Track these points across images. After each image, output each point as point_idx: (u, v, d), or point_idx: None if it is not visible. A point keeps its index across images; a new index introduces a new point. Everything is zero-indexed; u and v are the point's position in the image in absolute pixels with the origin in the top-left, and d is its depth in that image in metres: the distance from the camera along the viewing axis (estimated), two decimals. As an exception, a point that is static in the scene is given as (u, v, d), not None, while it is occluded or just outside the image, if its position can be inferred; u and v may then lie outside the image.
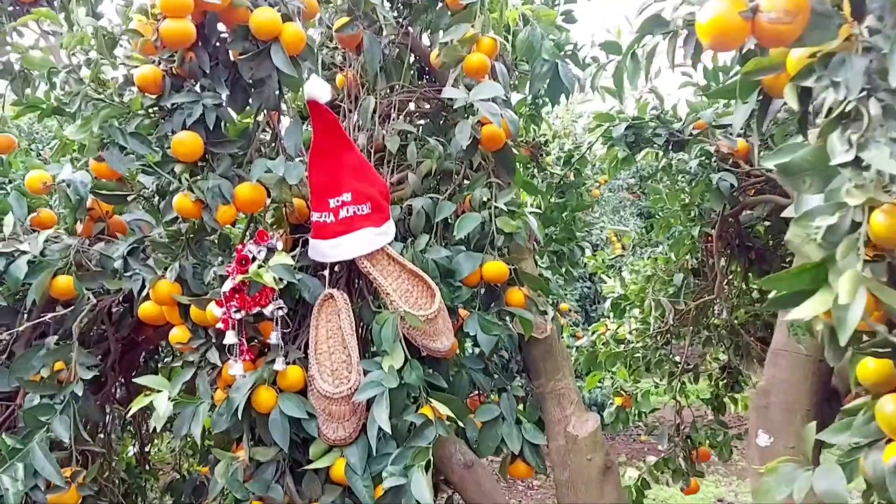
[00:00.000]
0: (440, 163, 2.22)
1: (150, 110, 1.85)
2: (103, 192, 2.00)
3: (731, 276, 3.43)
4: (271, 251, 1.80)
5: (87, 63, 1.78)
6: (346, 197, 1.93)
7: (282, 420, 1.77)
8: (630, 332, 3.37)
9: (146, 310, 2.03)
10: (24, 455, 1.78)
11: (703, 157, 3.00)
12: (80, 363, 2.01)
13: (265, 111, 1.95)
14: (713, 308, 3.49)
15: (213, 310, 1.77)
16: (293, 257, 1.99)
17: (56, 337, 2.11)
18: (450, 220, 2.14)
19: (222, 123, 1.90)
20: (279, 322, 1.82)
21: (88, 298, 2.14)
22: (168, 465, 3.26)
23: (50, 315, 2.06)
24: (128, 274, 2.07)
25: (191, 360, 1.90)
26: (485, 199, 2.11)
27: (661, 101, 3.31)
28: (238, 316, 1.75)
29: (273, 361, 1.82)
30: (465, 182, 2.29)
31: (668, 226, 3.54)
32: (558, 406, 2.07)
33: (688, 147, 3.13)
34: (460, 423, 1.88)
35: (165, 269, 1.96)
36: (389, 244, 1.98)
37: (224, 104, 1.85)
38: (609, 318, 3.82)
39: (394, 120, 2.29)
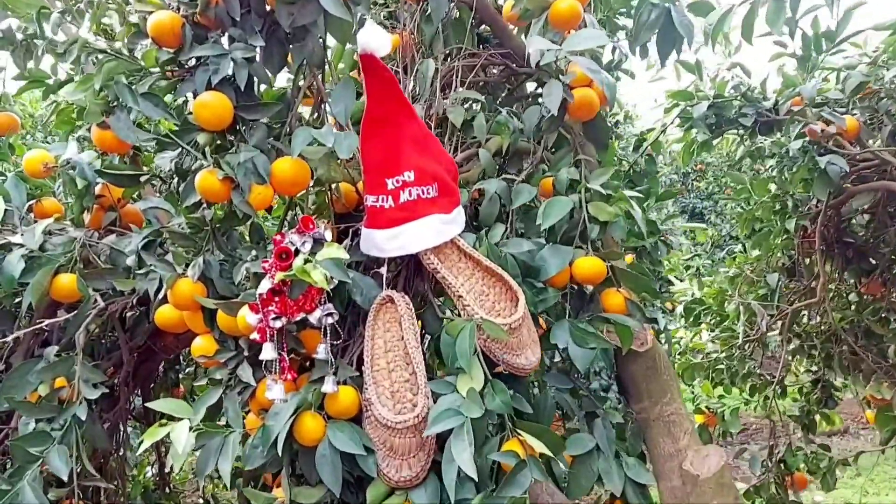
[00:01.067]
0: (514, 139, 1.84)
1: (167, 67, 1.49)
2: (110, 171, 1.64)
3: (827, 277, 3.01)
4: (318, 242, 1.43)
5: (88, 5, 1.42)
6: (408, 176, 1.55)
7: (332, 455, 1.40)
8: (713, 341, 2.95)
9: (164, 315, 1.68)
10: (11, 497, 1.43)
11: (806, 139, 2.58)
12: (84, 379, 1.66)
13: (308, 70, 1.58)
14: (802, 314, 3.07)
15: (247, 316, 1.41)
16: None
17: (56, 347, 1.76)
18: (533, 205, 1.76)
19: (256, 84, 1.54)
20: (328, 332, 1.45)
21: (95, 301, 1.79)
22: (192, 490, 2.91)
23: (47, 321, 1.71)
24: (142, 272, 1.71)
25: (218, 378, 1.54)
26: (573, 180, 1.72)
27: (748, 76, 2.91)
28: (278, 324, 1.39)
29: (320, 381, 1.45)
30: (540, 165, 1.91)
31: (752, 220, 3.12)
32: (668, 436, 1.68)
33: (784, 127, 2.72)
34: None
35: (187, 265, 1.60)
36: (460, 235, 1.61)
37: (258, 60, 1.49)
38: (679, 324, 3.41)
39: (456, 89, 1.92)
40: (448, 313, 1.64)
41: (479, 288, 1.61)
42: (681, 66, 3.03)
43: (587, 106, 1.67)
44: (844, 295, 3.12)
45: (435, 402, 1.43)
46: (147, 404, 1.39)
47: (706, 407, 2.82)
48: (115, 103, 1.39)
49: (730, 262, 3.36)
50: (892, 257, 2.76)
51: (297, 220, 1.42)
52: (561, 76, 1.64)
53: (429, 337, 1.67)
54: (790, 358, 3.05)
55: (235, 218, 1.67)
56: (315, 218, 1.65)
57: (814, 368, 3.16)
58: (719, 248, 3.59)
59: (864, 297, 3.01)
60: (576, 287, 1.72)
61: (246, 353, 1.55)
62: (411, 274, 1.69)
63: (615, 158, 2.96)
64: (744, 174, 3.16)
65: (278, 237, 1.45)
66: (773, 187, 2.98)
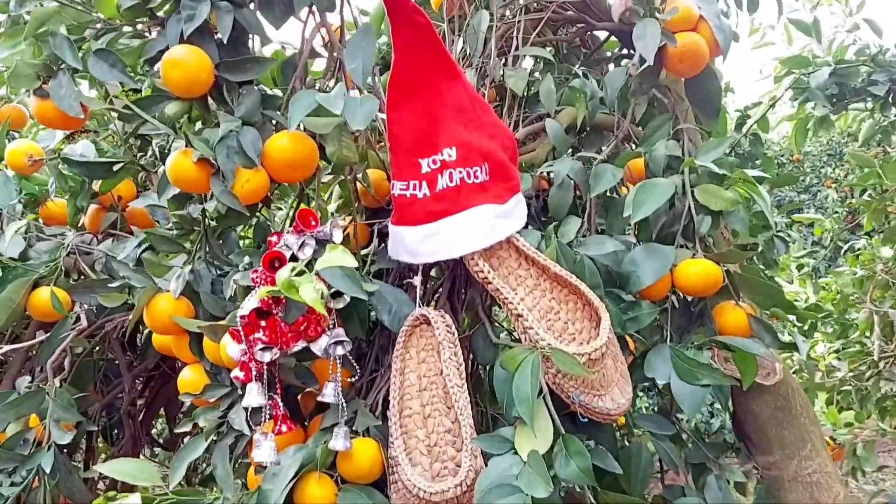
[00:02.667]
0: (592, 109, 1.42)
1: (134, 20, 1.14)
2: (76, 161, 1.31)
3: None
4: (322, 244, 1.05)
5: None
6: (449, 155, 1.16)
7: (343, 536, 1.02)
8: (838, 357, 2.44)
9: (159, 340, 1.34)
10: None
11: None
12: (56, 419, 1.33)
13: (315, 15, 1.20)
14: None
15: (228, 347, 1.04)
16: (365, 258, 1.23)
17: (29, 378, 1.45)
18: (617, 193, 1.34)
19: (250, 40, 1.18)
20: (339, 366, 1.07)
21: (77, 319, 1.47)
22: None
23: (8, 348, 1.39)
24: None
25: (204, 424, 1.18)
26: (672, 156, 1.29)
27: (878, 34, 2.39)
28: (266, 357, 1.01)
29: (329, 431, 1.07)
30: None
31: (882, 211, 2.59)
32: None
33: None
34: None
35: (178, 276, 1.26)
36: (519, 233, 1.20)
37: (251, 5, 1.12)
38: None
39: (517, 49, 1.51)
40: (504, 336, 1.24)
41: (546, 303, 1.19)
42: (793, 27, 2.54)
43: (693, 56, 1.24)
44: None
45: (485, 463, 1.03)
46: (98, 468, 1.04)
47: (830, 438, 2.31)
48: (54, 64, 1.05)
49: (852, 260, 2.82)
50: None
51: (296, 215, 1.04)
52: (657, 14, 1.21)
53: (475, 368, 1.27)
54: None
55: (238, 214, 1.31)
56: (337, 215, 1.28)
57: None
58: (822, 246, 3.07)
59: None
60: (678, 299, 1.28)
61: (241, 392, 1.18)
62: (458, 284, 1.29)
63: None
64: (869, 156, 2.63)
65: (273, 238, 1.09)
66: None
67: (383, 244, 1.27)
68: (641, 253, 1.23)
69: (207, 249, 1.29)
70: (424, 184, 1.15)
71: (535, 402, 1.00)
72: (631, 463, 1.23)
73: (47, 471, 1.26)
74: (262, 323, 1.00)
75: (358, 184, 1.32)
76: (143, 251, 1.45)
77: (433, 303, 1.23)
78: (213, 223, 1.31)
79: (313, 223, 1.05)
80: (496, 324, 1.26)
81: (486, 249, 1.16)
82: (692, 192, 1.26)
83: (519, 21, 1.53)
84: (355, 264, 0.92)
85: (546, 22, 1.63)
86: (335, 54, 1.23)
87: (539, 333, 1.09)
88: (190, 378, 1.25)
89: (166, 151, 1.31)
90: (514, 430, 1.05)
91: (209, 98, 1.14)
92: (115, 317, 1.57)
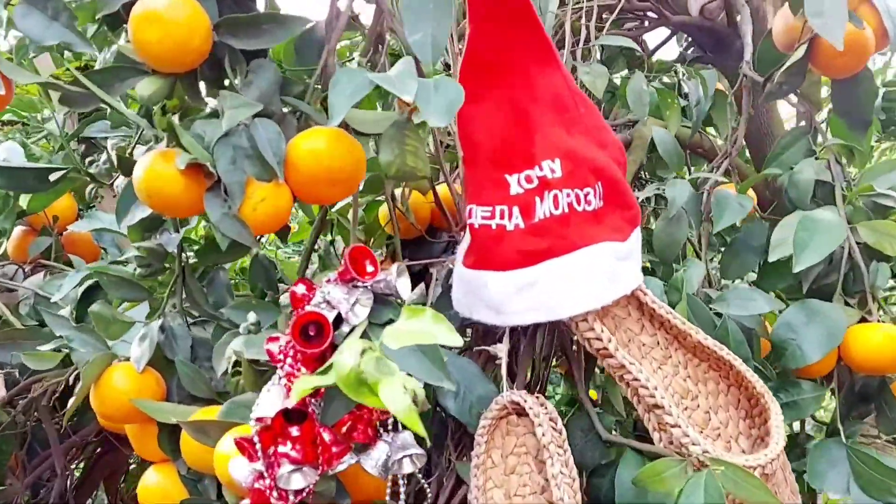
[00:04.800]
0: (698, 115, 1.09)
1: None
2: (4, 166, 0.91)
3: None
4: (383, 302, 0.68)
5: None
6: (551, 169, 0.80)
7: None
8: None
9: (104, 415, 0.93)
10: None
11: None
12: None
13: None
14: None
15: (232, 464, 0.65)
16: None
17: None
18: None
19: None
20: (400, 488, 0.69)
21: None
22: None
23: None
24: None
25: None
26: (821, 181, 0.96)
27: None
28: (297, 483, 0.63)
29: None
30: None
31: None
32: None
33: None
34: None
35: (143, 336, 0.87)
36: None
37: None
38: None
39: (594, 37, 1.17)
40: (596, 422, 0.88)
41: (680, 384, 0.84)
42: None
43: (858, 48, 0.92)
44: None
45: None
46: None
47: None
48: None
49: None
50: None
51: (341, 254, 0.67)
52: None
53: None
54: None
55: (226, 249, 0.92)
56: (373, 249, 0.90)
57: None
58: None
59: None
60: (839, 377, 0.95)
61: (236, 510, 0.79)
62: (538, 344, 0.93)
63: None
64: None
65: (300, 288, 0.71)
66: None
67: (439, 293, 0.90)
68: (801, 315, 0.89)
69: (184, 297, 0.90)
70: (517, 210, 0.79)
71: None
72: None
73: None
74: (293, 431, 0.62)
75: (397, 204, 0.96)
76: (85, 291, 1.07)
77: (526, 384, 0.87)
78: (193, 259, 0.93)
79: (368, 268, 0.68)
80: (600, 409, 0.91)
81: (603, 308, 0.80)
82: (852, 230, 0.94)
83: (591, 5, 1.19)
84: (459, 343, 0.56)
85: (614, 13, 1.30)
86: (382, 21, 0.86)
87: (690, 436, 0.74)
88: (157, 485, 0.85)
89: (128, 154, 0.92)
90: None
91: (199, 75, 0.76)
92: (46, 375, 1.16)
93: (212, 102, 0.77)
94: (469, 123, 0.82)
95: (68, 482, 1.52)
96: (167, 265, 0.92)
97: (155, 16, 0.69)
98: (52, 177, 0.90)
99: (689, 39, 1.49)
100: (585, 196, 0.81)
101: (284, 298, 0.94)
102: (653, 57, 1.55)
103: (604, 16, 1.31)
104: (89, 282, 1.06)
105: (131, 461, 1.88)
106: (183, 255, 0.91)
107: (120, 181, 0.98)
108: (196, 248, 0.93)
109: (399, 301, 0.68)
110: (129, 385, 0.81)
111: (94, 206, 1.37)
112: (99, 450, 1.63)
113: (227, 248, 0.74)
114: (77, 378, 1.09)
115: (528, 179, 0.80)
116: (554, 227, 0.79)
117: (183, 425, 0.75)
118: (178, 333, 0.86)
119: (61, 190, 1.01)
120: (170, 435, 0.85)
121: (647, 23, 1.41)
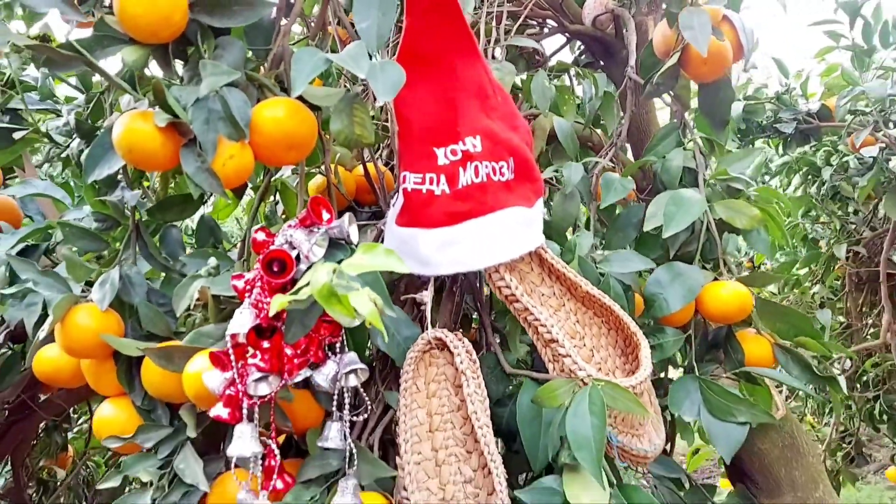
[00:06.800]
0: (591, 110, 1.28)
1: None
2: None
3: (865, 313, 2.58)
4: (337, 245, 0.82)
5: None
6: (472, 144, 0.96)
7: None
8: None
9: (47, 361, 1.01)
10: None
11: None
12: None
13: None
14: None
15: (206, 376, 0.77)
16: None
17: None
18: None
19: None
20: (346, 400, 0.83)
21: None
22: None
23: None
24: (15, 293, 1.04)
25: (147, 478, 0.88)
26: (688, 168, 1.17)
27: (785, 74, 2.47)
28: (263, 390, 0.75)
29: (317, 482, 0.83)
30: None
31: (775, 247, 2.68)
32: (830, 550, 1.14)
33: (840, 134, 2.28)
34: None
35: (89, 283, 0.96)
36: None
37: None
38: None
39: (503, 38, 1.34)
40: (501, 359, 1.05)
41: (571, 327, 1.02)
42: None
43: (719, 58, 1.13)
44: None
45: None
46: None
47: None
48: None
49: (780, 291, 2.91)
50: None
51: (308, 205, 0.80)
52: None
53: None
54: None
55: (178, 206, 1.03)
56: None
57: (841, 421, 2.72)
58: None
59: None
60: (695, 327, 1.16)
61: (191, 433, 0.90)
62: (456, 299, 1.09)
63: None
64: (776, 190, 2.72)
65: (260, 234, 0.83)
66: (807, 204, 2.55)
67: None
68: (666, 274, 1.09)
69: (139, 249, 1.00)
70: (443, 178, 0.95)
71: (601, 447, 0.81)
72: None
73: None
74: (265, 344, 0.75)
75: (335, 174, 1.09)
76: (19, 254, 1.13)
77: (447, 324, 1.02)
78: (146, 217, 1.02)
79: (328, 216, 0.81)
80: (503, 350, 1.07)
81: (511, 261, 0.97)
82: (709, 209, 1.15)
83: (501, 11, 1.36)
84: (404, 269, 0.70)
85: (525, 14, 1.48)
86: (331, 8, 0.99)
87: (578, 363, 0.91)
88: (113, 416, 0.95)
89: (84, 123, 1.00)
90: (561, 478, 0.86)
91: (169, 47, 0.87)
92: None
93: (180, 73, 0.88)
94: (404, 105, 0.96)
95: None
96: (123, 222, 1.01)
97: (139, -10, 0.79)
98: (17, 135, 0.97)
99: (582, 47, 1.69)
100: (500, 169, 0.97)
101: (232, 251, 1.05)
102: (551, 60, 1.75)
103: (507, 22, 1.48)
104: (20, 245, 1.13)
105: (40, 431, 1.90)
106: (136, 212, 1.00)
107: (75, 144, 1.05)
108: (148, 206, 1.02)
109: (350, 245, 0.82)
110: (93, 323, 0.90)
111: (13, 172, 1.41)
112: (11, 419, 1.66)
113: (176, 207, 0.85)
114: (9, 337, 1.16)
115: (454, 153, 0.96)
116: (474, 193, 0.95)
117: (149, 354, 0.86)
118: (135, 280, 0.96)
119: (17, 149, 1.07)
120: (127, 369, 0.95)
121: (546, 30, 1.59)
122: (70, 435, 2.02)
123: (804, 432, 1.25)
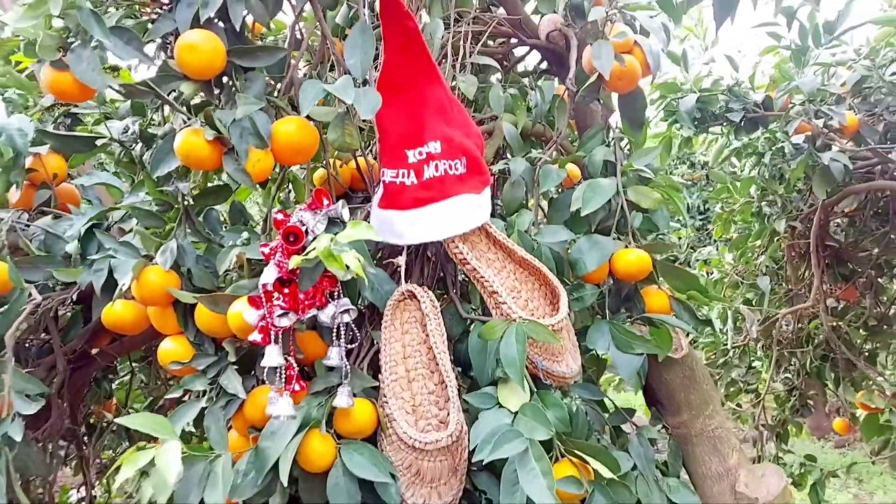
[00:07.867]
0: (536, 116, 1.61)
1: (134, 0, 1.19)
2: (59, 134, 1.31)
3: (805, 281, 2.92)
4: (334, 223, 1.16)
5: None
6: (433, 147, 1.30)
7: (347, 483, 1.12)
8: (693, 347, 2.80)
9: (115, 314, 1.36)
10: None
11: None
12: (19, 391, 1.32)
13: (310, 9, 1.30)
14: (778, 320, 2.97)
15: (244, 313, 1.12)
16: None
17: (-21, 351, 1.41)
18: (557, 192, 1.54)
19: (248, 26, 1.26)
20: (343, 333, 1.18)
21: (30, 294, 1.45)
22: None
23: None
24: (89, 260, 1.39)
25: (197, 390, 1.24)
26: (607, 161, 1.51)
27: (735, 69, 2.78)
28: (284, 322, 1.10)
29: (323, 393, 1.18)
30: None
31: (729, 221, 3.01)
32: (714, 454, 1.48)
33: (770, 123, 2.61)
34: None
35: (157, 249, 1.30)
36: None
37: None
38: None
39: (467, 55, 1.67)
40: (458, 307, 1.39)
41: (511, 283, 1.37)
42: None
43: (630, 75, 1.46)
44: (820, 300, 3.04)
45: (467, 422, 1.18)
46: (119, 420, 1.07)
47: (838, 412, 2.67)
48: (74, 37, 1.08)
49: (701, 265, 3.25)
50: (879, 262, 2.68)
51: (313, 194, 1.14)
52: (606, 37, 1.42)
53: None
54: (771, 365, 2.93)
55: (215, 194, 1.37)
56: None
57: (788, 376, 3.06)
58: (692, 250, 3.55)
59: (840, 302, 2.94)
60: (611, 284, 1.50)
61: (232, 359, 1.25)
62: (427, 265, 1.43)
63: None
64: (724, 173, 3.05)
65: (279, 215, 1.18)
66: (759, 187, 2.87)
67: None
68: (586, 243, 1.43)
69: (188, 226, 1.35)
70: (412, 172, 1.29)
71: (522, 367, 1.16)
72: (572, 423, 1.43)
73: (18, 440, 1.26)
74: (286, 291, 1.09)
75: (334, 169, 1.43)
76: (87, 231, 1.47)
77: (409, 280, 1.36)
78: (194, 200, 1.37)
79: (324, 202, 1.15)
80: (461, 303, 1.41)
81: (464, 235, 1.31)
82: (624, 192, 1.48)
83: (467, 31, 1.69)
84: (379, 238, 1.05)
85: (487, 33, 1.80)
86: (327, 46, 1.33)
87: (512, 308, 1.26)
88: (173, 348, 1.30)
89: (146, 132, 1.34)
90: (496, 389, 1.21)
91: (213, 82, 1.21)
92: (52, 294, 1.56)
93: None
94: (382, 119, 1.30)
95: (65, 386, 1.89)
96: (175, 205, 1.35)
97: (193, 46, 1.13)
98: (99, 142, 1.32)
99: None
100: (455, 165, 1.31)
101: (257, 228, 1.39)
102: (518, 65, 2.08)
103: (471, 37, 1.81)
104: (92, 222, 1.47)
105: (93, 379, 2.25)
106: (184, 198, 1.35)
107: (138, 147, 1.40)
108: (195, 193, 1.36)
109: (343, 222, 1.16)
110: (159, 279, 1.25)
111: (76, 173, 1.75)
112: (72, 366, 2.01)
113: (213, 195, 1.19)
114: (76, 298, 1.50)
115: (420, 153, 1.30)
116: (436, 183, 1.29)
117: (202, 300, 1.20)
118: (187, 249, 1.30)
119: (96, 152, 1.42)
120: (183, 314, 1.29)
121: (513, 40, 1.92)
122: (115, 386, 2.38)
123: (703, 366, 1.59)
